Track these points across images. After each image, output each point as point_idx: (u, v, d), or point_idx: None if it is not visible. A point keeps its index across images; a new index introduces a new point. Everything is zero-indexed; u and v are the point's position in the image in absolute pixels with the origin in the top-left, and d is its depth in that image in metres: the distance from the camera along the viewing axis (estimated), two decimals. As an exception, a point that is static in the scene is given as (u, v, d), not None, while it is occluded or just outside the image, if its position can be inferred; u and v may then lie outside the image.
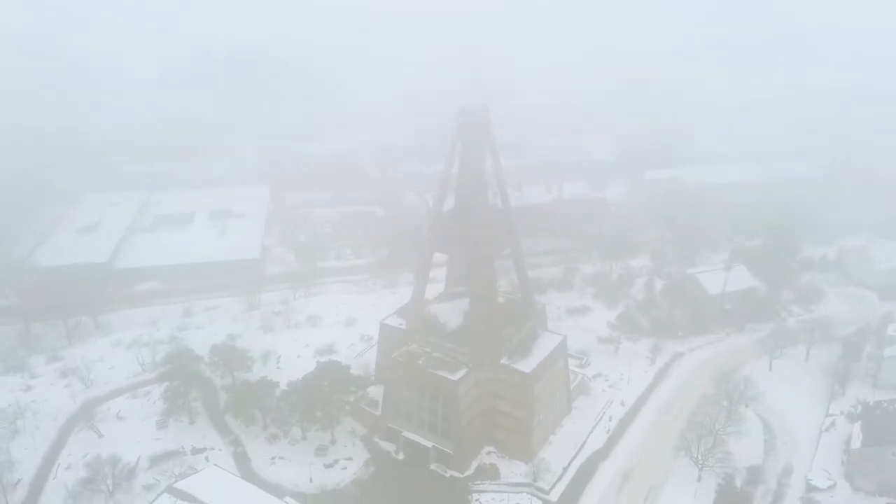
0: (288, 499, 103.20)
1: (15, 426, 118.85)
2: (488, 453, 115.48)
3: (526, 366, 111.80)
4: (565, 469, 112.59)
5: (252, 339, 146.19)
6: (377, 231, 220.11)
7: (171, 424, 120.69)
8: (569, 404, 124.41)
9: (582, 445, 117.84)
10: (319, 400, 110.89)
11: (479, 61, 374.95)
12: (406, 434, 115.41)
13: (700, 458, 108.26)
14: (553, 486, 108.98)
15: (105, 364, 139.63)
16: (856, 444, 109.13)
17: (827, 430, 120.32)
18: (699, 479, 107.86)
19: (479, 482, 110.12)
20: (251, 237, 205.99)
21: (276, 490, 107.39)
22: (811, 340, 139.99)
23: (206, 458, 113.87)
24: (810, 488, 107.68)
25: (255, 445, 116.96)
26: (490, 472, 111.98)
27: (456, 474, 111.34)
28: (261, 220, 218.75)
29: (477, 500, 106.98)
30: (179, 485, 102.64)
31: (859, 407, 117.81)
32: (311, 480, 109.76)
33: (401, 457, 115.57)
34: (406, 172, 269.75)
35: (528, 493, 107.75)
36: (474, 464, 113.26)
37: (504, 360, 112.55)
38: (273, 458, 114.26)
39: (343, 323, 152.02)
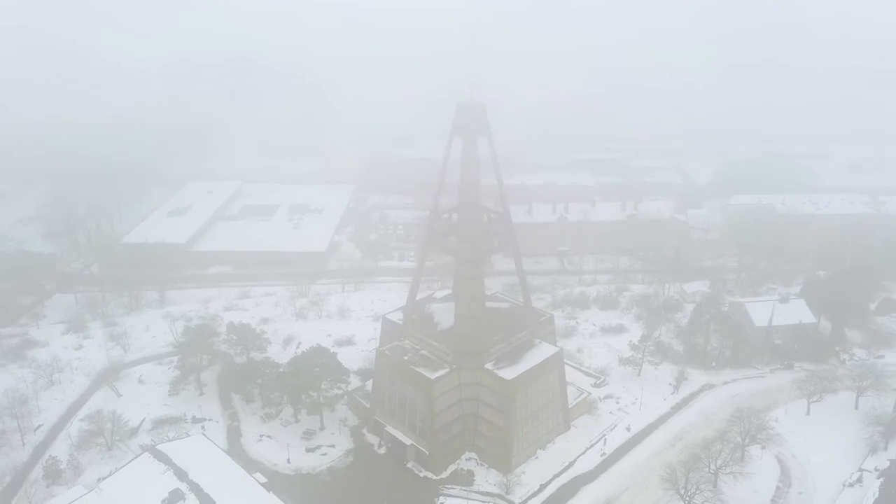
0: (257, 475, 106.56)
1: (51, 378, 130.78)
2: (468, 459, 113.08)
3: (509, 373, 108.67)
4: (543, 486, 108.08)
5: (282, 324, 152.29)
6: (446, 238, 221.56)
7: (182, 393, 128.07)
8: (566, 421, 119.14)
9: (569, 465, 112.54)
10: (304, 384, 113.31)
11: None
12: (389, 429, 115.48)
13: (687, 495, 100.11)
14: (525, 502, 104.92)
15: (149, 333, 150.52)
16: (868, 502, 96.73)
17: (851, 485, 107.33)
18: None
19: (450, 486, 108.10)
20: (322, 232, 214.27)
21: (254, 466, 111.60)
22: (862, 387, 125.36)
23: (203, 427, 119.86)
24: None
25: (250, 422, 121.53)
26: (464, 478, 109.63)
27: (430, 475, 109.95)
28: (336, 217, 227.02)
29: (441, 503, 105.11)
30: (161, 447, 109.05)
31: (887, 462, 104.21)
32: (288, 461, 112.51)
33: (382, 451, 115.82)
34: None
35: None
36: (451, 467, 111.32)
37: (489, 366, 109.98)
38: (262, 435, 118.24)
39: (372, 317, 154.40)
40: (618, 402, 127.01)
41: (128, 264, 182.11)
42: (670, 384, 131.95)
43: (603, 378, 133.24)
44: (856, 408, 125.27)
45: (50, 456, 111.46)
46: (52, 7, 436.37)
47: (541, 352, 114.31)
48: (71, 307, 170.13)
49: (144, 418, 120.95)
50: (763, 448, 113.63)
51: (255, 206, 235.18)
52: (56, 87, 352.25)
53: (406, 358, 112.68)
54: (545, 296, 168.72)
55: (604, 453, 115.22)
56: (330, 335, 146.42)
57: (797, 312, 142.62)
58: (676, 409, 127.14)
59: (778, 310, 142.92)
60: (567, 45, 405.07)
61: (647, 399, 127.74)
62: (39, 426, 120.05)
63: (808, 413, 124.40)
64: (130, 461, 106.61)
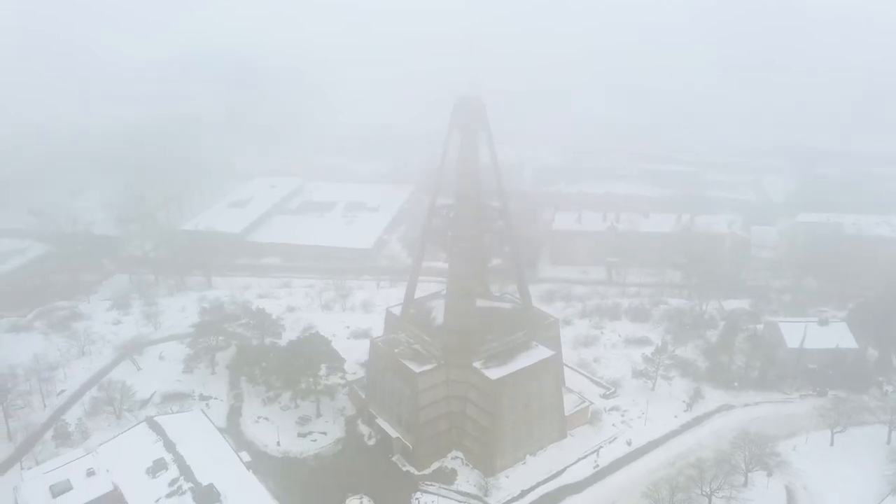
0: (243, 453, 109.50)
1: (83, 349, 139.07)
2: (454, 458, 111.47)
3: (496, 373, 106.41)
4: (524, 492, 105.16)
5: (306, 314, 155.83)
6: (497, 241, 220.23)
7: (195, 371, 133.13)
8: (562, 429, 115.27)
9: (557, 474, 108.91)
10: (296, 369, 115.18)
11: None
12: (379, 421, 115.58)
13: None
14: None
15: (183, 314, 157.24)
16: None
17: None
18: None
19: (430, 483, 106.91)
20: (372, 230, 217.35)
21: (246, 445, 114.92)
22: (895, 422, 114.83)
23: (207, 404, 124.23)
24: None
25: (252, 404, 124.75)
26: (447, 477, 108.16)
27: (413, 471, 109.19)
28: (389, 216, 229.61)
29: (417, 499, 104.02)
30: (159, 418, 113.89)
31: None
32: (278, 444, 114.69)
33: (372, 442, 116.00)
34: (556, 192, 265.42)
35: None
36: (435, 465, 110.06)
37: (478, 364, 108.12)
38: (259, 417, 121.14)
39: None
40: (623, 415, 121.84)
41: (183, 250, 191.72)
42: (684, 401, 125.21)
43: (613, 389, 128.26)
44: (887, 443, 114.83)
45: (62, 420, 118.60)
46: (53, 7, 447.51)
47: (535, 354, 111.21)
48: (124, 287, 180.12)
49: (155, 392, 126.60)
50: (770, 475, 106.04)
51: (314, 202, 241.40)
52: (97, 86, 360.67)
53: (397, 350, 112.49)
54: (577, 304, 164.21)
55: (597, 465, 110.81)
56: (348, 327, 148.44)
57: (836, 336, 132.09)
58: (686, 427, 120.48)
59: (815, 332, 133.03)
60: (567, 45, 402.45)
61: (655, 414, 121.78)
62: (62, 391, 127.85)
63: (831, 444, 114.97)
64: (128, 430, 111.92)
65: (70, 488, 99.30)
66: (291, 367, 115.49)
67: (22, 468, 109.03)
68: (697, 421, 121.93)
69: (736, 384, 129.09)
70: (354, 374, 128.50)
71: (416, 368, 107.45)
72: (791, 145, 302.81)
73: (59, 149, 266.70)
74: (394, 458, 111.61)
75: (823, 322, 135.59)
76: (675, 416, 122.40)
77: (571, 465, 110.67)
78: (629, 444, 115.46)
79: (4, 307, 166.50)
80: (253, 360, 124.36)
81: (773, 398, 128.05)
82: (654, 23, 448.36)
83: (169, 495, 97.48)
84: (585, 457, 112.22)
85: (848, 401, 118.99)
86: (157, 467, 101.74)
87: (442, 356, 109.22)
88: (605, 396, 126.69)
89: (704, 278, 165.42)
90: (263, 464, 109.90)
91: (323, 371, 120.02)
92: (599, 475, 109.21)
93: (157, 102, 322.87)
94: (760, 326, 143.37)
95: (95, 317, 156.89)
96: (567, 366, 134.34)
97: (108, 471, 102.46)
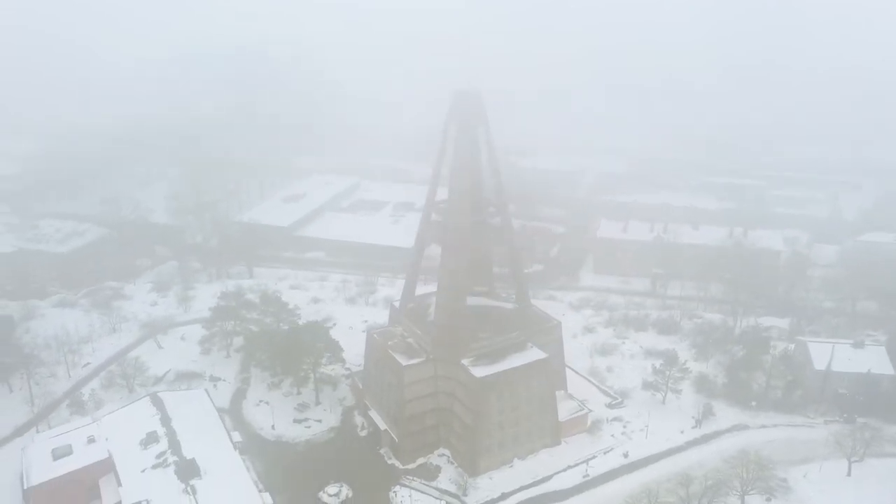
0: (235, 433, 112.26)
1: (114, 326, 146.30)
2: (441, 455, 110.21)
3: (482, 371, 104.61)
4: (505, 495, 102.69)
5: (329, 306, 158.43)
6: (542, 247, 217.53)
7: (211, 354, 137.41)
8: (556, 435, 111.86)
9: (543, 480, 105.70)
10: (293, 356, 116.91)
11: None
12: (371, 413, 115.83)
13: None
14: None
15: (213, 300, 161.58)
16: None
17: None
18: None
19: (412, 478, 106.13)
20: (416, 229, 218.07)
21: (241, 426, 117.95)
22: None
23: (215, 385, 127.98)
24: None
25: (257, 388, 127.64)
26: (430, 473, 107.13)
27: (397, 464, 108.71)
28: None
29: (395, 492, 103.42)
30: (162, 394, 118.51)
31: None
32: (272, 427, 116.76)
33: (364, 434, 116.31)
34: (610, 201, 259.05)
35: (446, 503, 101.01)
36: (421, 460, 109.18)
37: (466, 361, 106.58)
38: (261, 401, 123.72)
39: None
40: (625, 426, 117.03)
41: (232, 240, 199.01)
42: (693, 417, 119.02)
43: (620, 400, 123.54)
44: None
45: (79, 391, 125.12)
46: (54, 7, 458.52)
47: (527, 356, 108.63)
48: (173, 272, 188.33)
49: (170, 370, 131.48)
50: (768, 501, 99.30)
51: (366, 200, 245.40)
52: (126, 85, 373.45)
53: (390, 343, 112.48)
54: (606, 312, 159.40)
55: (587, 475, 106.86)
56: (366, 321, 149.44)
57: (870, 360, 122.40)
58: (691, 444, 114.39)
59: (848, 355, 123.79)
60: (566, 46, 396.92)
61: (660, 428, 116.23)
62: (87, 364, 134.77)
63: (848, 474, 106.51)
64: (132, 402, 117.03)
65: (70, 453, 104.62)
66: (288, 354, 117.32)
67: (37, 432, 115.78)
68: (705, 439, 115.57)
69: (754, 403, 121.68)
70: (359, 365, 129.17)
71: (404, 361, 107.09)
72: (871, 160, 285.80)
73: (126, 145, 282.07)
74: (381, 451, 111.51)
75: (858, 344, 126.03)
76: (682, 432, 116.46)
77: (560, 472, 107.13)
78: (626, 456, 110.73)
79: (62, 284, 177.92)
80: (259, 345, 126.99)
81: (794, 421, 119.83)
82: (653, 23, 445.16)
83: (154, 466, 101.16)
84: (577, 465, 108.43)
85: (871, 429, 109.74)
86: (150, 440, 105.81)
87: (432, 351, 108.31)
88: (610, 406, 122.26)
89: (749, 294, 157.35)
90: (255, 445, 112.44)
91: (325, 360, 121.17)
92: (588, 485, 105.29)
93: (196, 100, 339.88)
94: (791, 346, 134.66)
95: (136, 298, 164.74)
96: (575, 372, 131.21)
97: (106, 439, 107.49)
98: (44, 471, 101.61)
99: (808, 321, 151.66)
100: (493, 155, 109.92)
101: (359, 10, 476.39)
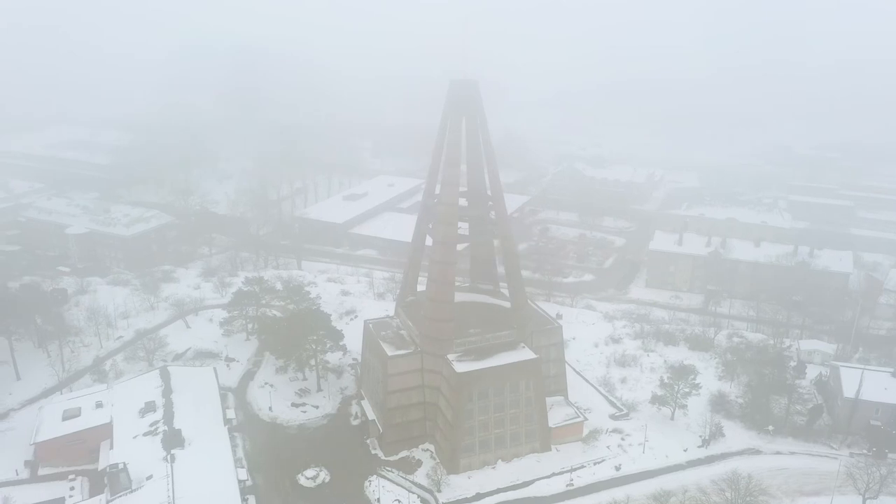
0: (229, 410, 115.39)
1: (153, 305, 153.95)
2: (425, 449, 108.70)
3: (465, 367, 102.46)
4: (479, 495, 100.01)
5: (356, 299, 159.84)
6: (597, 258, 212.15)
7: (233, 336, 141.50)
8: (545, 440, 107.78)
9: (523, 484, 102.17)
10: (293, 341, 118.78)
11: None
12: (364, 402, 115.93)
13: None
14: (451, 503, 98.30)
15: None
16: None
17: None
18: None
19: (390, 469, 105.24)
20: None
21: (242, 406, 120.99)
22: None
23: (228, 366, 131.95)
24: None
25: (266, 370, 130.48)
26: (410, 466, 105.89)
27: (380, 455, 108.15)
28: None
29: (370, 481, 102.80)
30: (171, 368, 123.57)
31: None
32: (270, 409, 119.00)
33: (356, 423, 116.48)
34: (674, 214, 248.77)
35: (420, 497, 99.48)
36: (404, 453, 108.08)
37: (451, 356, 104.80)
38: (266, 383, 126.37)
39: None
40: (624, 439, 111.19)
41: (288, 233, 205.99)
42: (700, 436, 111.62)
43: (626, 412, 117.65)
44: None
45: (105, 362, 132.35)
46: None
47: (515, 356, 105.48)
48: (224, 260, 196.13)
49: (190, 348, 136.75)
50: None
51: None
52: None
53: (382, 333, 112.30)
54: (637, 325, 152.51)
55: (570, 484, 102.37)
56: (388, 313, 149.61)
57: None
58: (693, 464, 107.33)
59: (885, 384, 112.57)
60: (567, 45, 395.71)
61: (662, 444, 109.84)
62: (119, 337, 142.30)
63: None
64: (143, 373, 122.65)
65: (78, 415, 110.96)
66: (287, 338, 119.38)
67: (60, 395, 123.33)
68: (710, 459, 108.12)
69: (771, 428, 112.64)
70: (345, 349, 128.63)
71: (390, 352, 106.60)
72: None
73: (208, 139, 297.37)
74: (367, 441, 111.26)
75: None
76: (685, 450, 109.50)
77: (543, 478, 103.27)
78: (617, 469, 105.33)
79: (125, 265, 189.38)
80: (268, 329, 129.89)
81: (814, 450, 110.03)
82: (653, 22, 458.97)
83: (146, 434, 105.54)
84: (562, 473, 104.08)
85: (888, 465, 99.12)
86: (148, 409, 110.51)
87: (420, 344, 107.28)
88: (614, 417, 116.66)
89: (804, 315, 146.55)
90: (250, 425, 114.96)
91: (327, 347, 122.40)
92: (569, 495, 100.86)
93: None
94: (828, 371, 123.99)
95: (183, 281, 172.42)
96: (584, 379, 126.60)
97: (112, 405, 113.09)
98: (52, 429, 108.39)
99: (867, 348, 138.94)
100: (489, 146, 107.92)
101: (359, 10, 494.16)
